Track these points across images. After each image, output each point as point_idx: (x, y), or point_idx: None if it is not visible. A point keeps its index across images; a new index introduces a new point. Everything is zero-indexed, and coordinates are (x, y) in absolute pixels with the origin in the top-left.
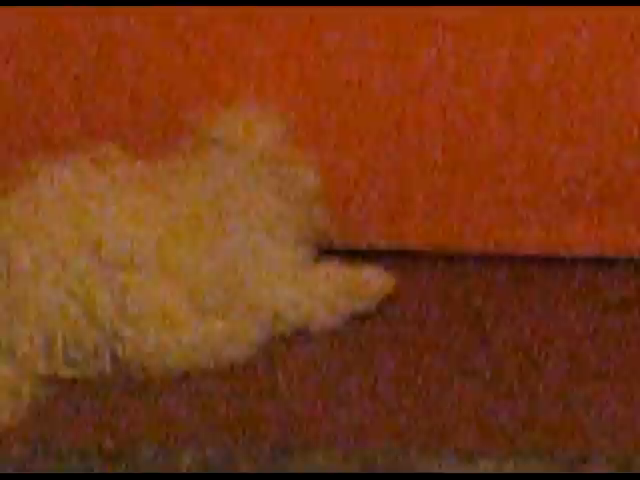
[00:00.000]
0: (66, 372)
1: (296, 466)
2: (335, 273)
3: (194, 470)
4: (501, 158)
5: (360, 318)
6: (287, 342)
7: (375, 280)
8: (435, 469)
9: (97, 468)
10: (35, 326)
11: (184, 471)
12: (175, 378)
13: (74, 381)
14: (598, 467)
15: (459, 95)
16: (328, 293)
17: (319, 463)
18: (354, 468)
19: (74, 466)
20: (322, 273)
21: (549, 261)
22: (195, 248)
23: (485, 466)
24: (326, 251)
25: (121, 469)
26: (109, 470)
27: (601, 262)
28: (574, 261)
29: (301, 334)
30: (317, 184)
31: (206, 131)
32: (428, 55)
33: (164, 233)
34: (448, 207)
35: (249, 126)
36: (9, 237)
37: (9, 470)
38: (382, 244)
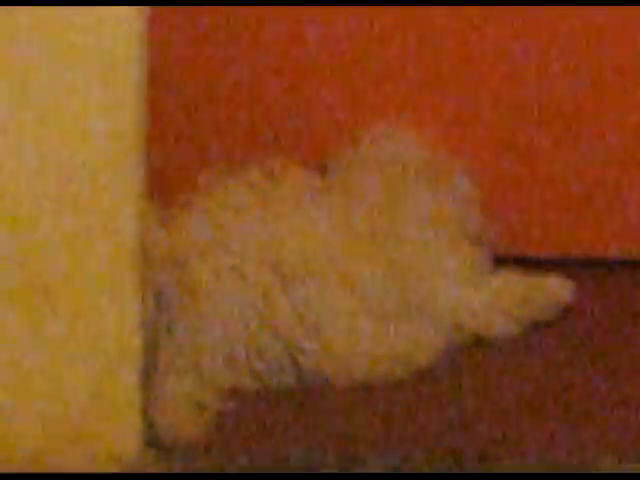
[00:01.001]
0: (250, 384)
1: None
2: (515, 281)
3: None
4: None
5: (539, 327)
6: (467, 350)
7: (555, 289)
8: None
9: None
10: (218, 339)
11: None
12: (359, 388)
13: (257, 393)
14: None
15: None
16: (508, 302)
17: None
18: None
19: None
20: (501, 281)
21: None
22: (371, 257)
23: None
24: (501, 259)
25: None
26: None
27: None
28: None
29: (481, 342)
30: (473, 191)
31: (366, 146)
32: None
33: (340, 244)
34: (618, 213)
35: (404, 140)
36: (188, 252)
37: None
38: (556, 252)
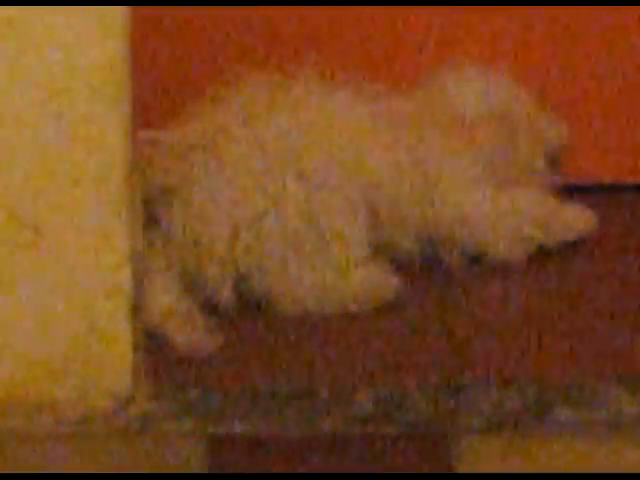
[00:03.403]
0: None
1: (469, 403)
2: (532, 203)
3: (368, 409)
4: None
5: (554, 252)
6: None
7: (575, 217)
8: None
9: (271, 409)
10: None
11: (358, 410)
12: (347, 317)
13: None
14: None
15: None
16: (520, 222)
17: (492, 399)
18: (530, 402)
19: (248, 407)
20: (518, 200)
21: None
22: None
23: None
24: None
25: (294, 411)
26: (282, 412)
27: None
28: None
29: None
30: (563, 135)
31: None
32: None
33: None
34: None
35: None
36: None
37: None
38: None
